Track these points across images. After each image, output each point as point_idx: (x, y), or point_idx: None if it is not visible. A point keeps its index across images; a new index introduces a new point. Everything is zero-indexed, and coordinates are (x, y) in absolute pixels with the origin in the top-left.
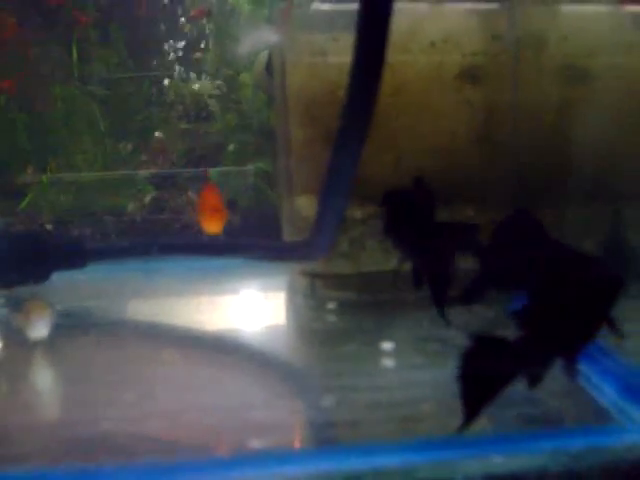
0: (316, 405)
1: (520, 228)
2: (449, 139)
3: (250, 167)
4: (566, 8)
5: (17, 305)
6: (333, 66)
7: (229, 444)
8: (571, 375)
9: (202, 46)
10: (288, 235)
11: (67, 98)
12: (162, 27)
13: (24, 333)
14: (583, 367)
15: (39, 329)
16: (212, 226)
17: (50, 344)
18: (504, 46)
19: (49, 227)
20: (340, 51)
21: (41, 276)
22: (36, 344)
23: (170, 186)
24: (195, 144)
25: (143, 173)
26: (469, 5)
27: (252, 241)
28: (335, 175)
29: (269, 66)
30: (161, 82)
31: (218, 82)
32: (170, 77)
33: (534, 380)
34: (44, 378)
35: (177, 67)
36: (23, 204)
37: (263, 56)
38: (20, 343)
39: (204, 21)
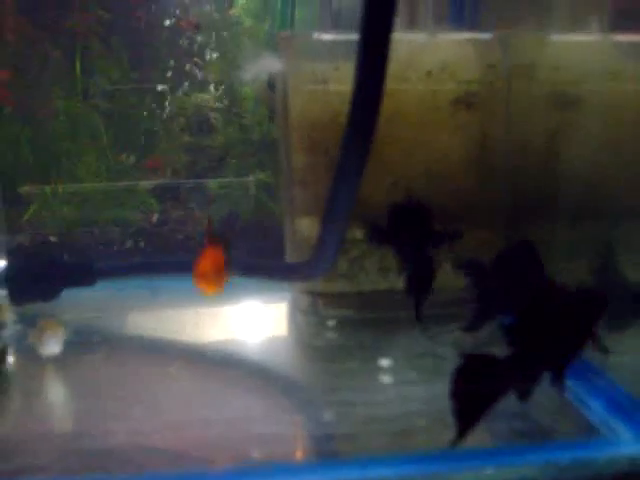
0: (316, 419)
1: (520, 259)
2: (444, 163)
3: (250, 178)
4: (557, 37)
5: (30, 322)
6: (334, 93)
7: (232, 456)
8: (559, 390)
9: (205, 59)
10: (290, 255)
11: (70, 111)
12: (165, 39)
13: (37, 350)
14: (571, 383)
15: (52, 346)
16: (209, 289)
17: (61, 359)
18: (498, 74)
19: (53, 239)
20: (341, 79)
21: (52, 293)
22: (48, 360)
23: (172, 198)
24: (197, 157)
25: (145, 184)
26: (465, 35)
27: (255, 261)
28: (336, 199)
29: (271, 80)
30: (163, 95)
31: (220, 95)
32: (172, 90)
33: (524, 395)
34: (56, 392)
35: (179, 80)
36: (27, 215)
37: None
38: (33, 359)
39: (200, 35)
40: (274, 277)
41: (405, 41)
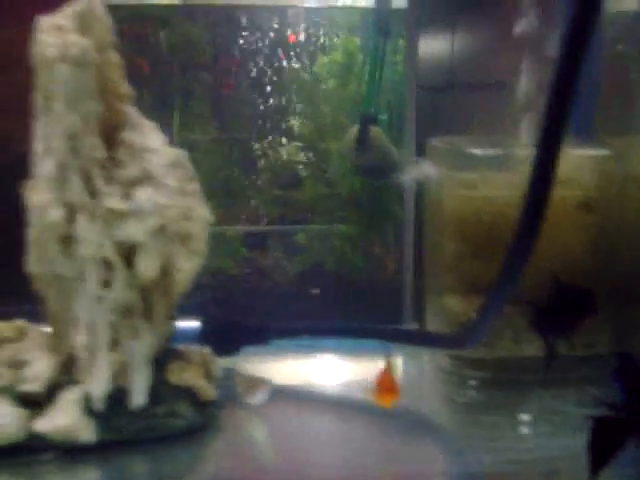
0: (473, 460)
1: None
2: (571, 253)
3: (331, 227)
4: None
5: (225, 373)
6: (480, 197)
7: None
8: None
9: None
10: (432, 325)
11: None
12: (252, 95)
13: (242, 399)
14: None
15: (260, 398)
16: (384, 402)
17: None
18: (613, 182)
19: None
20: (487, 186)
21: (235, 350)
22: (248, 406)
23: (261, 247)
24: (286, 210)
25: (233, 233)
26: (587, 151)
27: (408, 330)
28: (502, 284)
29: (360, 139)
30: (253, 148)
31: (306, 150)
32: (261, 144)
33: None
34: (264, 433)
35: (269, 134)
36: None
37: (353, 129)
38: (234, 404)
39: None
40: (431, 346)
41: None
